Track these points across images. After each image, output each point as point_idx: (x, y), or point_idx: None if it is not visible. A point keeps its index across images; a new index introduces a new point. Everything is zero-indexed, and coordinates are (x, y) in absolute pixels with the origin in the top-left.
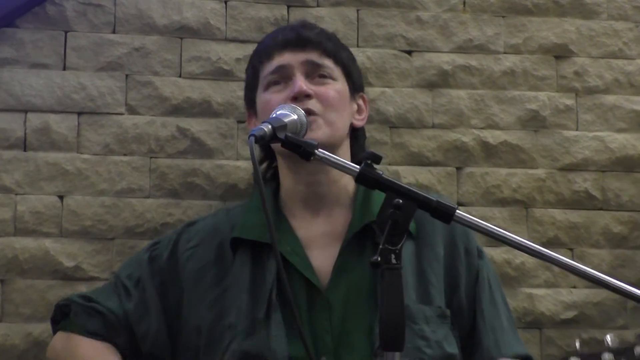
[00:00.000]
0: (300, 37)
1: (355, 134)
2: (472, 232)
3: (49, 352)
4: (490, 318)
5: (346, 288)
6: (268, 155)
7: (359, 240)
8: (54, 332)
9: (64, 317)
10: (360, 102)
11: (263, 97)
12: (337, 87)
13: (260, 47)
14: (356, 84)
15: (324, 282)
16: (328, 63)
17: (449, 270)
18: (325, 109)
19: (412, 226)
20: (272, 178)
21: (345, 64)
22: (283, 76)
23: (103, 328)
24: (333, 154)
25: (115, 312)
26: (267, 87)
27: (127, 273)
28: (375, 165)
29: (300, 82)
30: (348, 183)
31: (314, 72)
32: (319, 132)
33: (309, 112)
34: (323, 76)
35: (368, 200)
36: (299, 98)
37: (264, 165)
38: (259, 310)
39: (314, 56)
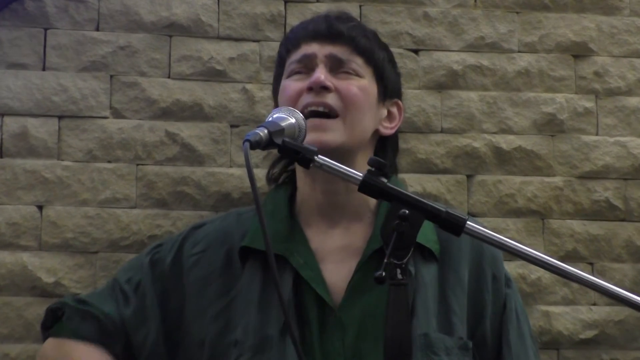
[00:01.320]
0: (331, 29)
1: (384, 143)
2: (501, 257)
3: None
4: (518, 353)
5: (361, 308)
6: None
7: (378, 257)
8: (44, 338)
9: (55, 321)
10: (394, 109)
11: (283, 83)
12: (361, 83)
13: (290, 35)
14: (390, 89)
15: (337, 300)
16: (357, 60)
17: (474, 298)
18: (345, 107)
19: (435, 247)
20: (289, 181)
21: (378, 65)
22: (306, 66)
23: (98, 333)
24: (350, 161)
25: (111, 317)
26: (290, 75)
27: (126, 277)
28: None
29: (320, 73)
30: None
31: (338, 68)
32: (334, 135)
33: (326, 107)
34: (348, 72)
35: None
36: (315, 89)
37: (279, 167)
38: (270, 327)
39: (342, 51)
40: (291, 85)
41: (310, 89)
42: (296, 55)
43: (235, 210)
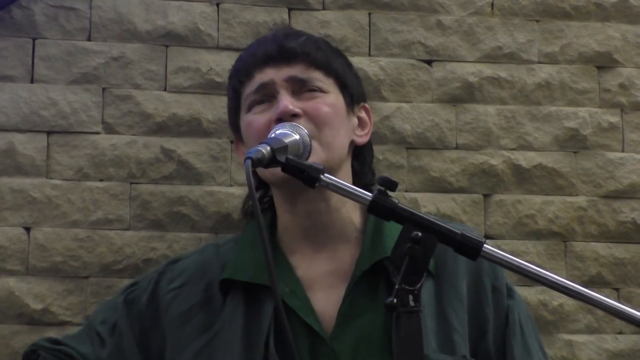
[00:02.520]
0: (282, 50)
1: (359, 152)
2: (501, 267)
3: None
4: None
5: (354, 335)
6: (261, 185)
7: (369, 280)
8: None
9: None
10: (362, 113)
11: (246, 119)
12: (329, 100)
13: (239, 65)
14: (355, 95)
15: (329, 328)
16: (317, 76)
17: (474, 312)
18: (318, 129)
19: (430, 264)
20: (268, 209)
21: (338, 74)
22: (266, 94)
23: None
24: None
25: (87, 358)
26: (250, 107)
27: (100, 319)
28: (390, 193)
29: (285, 101)
30: (352, 212)
31: (301, 88)
32: (313, 158)
33: None
34: (312, 90)
35: (379, 233)
36: (284, 119)
37: (259, 193)
38: None
39: (299, 70)
40: (256, 119)
41: (279, 119)
42: (252, 86)
43: (212, 243)
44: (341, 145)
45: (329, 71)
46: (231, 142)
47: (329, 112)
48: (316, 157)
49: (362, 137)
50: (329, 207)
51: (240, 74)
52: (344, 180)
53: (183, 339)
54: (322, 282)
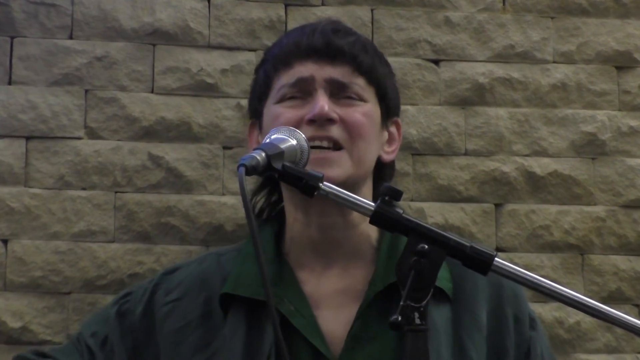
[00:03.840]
0: (330, 47)
1: (381, 170)
2: (523, 294)
3: None
4: None
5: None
6: (268, 183)
7: (382, 301)
8: None
9: None
10: (393, 129)
11: (274, 109)
12: (367, 109)
13: (278, 50)
14: (391, 108)
15: (336, 351)
16: (359, 82)
17: (494, 343)
18: (350, 138)
19: (448, 286)
20: (276, 214)
21: (380, 83)
22: (302, 90)
23: None
24: (354, 194)
25: None
26: (281, 99)
27: (91, 331)
28: (395, 203)
29: (323, 102)
30: (370, 229)
31: (340, 92)
32: (339, 170)
33: (330, 141)
34: (350, 97)
35: (395, 252)
36: (318, 122)
37: (261, 198)
38: None
39: (343, 73)
40: (285, 113)
41: (312, 120)
42: (289, 78)
43: (213, 251)
44: (370, 159)
45: (371, 79)
46: (223, 147)
47: (364, 123)
48: (343, 170)
49: (389, 155)
50: (346, 223)
51: (279, 60)
52: (364, 196)
53: (179, 356)
54: (332, 301)
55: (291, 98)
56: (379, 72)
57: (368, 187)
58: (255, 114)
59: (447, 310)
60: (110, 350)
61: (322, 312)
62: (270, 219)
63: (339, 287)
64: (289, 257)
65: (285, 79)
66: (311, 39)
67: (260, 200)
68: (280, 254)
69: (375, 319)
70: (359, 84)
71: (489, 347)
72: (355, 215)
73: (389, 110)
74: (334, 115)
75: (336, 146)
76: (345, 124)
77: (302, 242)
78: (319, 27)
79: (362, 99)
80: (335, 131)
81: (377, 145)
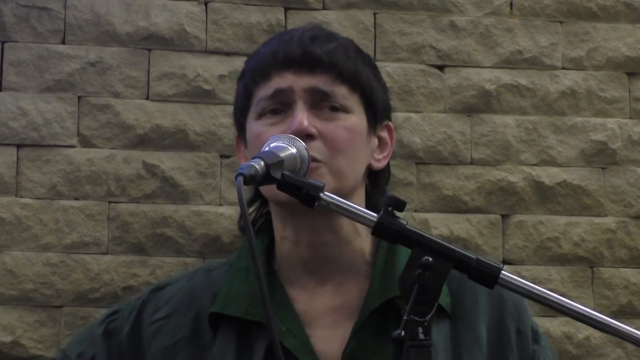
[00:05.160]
0: (308, 55)
1: (374, 176)
2: (526, 306)
3: None
4: None
5: None
6: (257, 196)
7: (377, 319)
8: None
9: None
10: (384, 133)
11: (254, 128)
12: (350, 122)
13: (255, 62)
14: (379, 113)
15: None
16: (342, 91)
17: (495, 358)
18: (331, 155)
19: (445, 301)
20: (265, 228)
21: (365, 90)
22: (281, 103)
23: None
24: None
25: None
26: (261, 115)
27: (77, 351)
28: (398, 213)
29: (301, 117)
30: (364, 243)
31: (321, 102)
32: None
33: (309, 158)
34: (334, 109)
35: (391, 266)
36: (297, 137)
37: (253, 210)
38: None
39: (323, 82)
40: (265, 131)
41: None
42: (267, 90)
43: (203, 266)
44: (355, 173)
45: (355, 86)
46: (221, 156)
47: (346, 140)
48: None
49: (379, 162)
50: (338, 239)
51: (256, 73)
52: (357, 205)
53: None
54: (325, 319)
55: (271, 112)
56: (362, 77)
57: (359, 198)
58: (239, 128)
59: (445, 326)
60: None
61: (315, 331)
62: (260, 232)
63: (333, 304)
64: (279, 274)
65: (263, 92)
66: (288, 48)
67: (252, 213)
68: (271, 271)
69: (371, 337)
70: (342, 93)
71: None
72: (347, 230)
73: (377, 116)
74: (313, 131)
75: (315, 161)
76: (325, 139)
77: (292, 260)
78: (296, 34)
79: (345, 110)
80: (314, 148)
81: (363, 156)
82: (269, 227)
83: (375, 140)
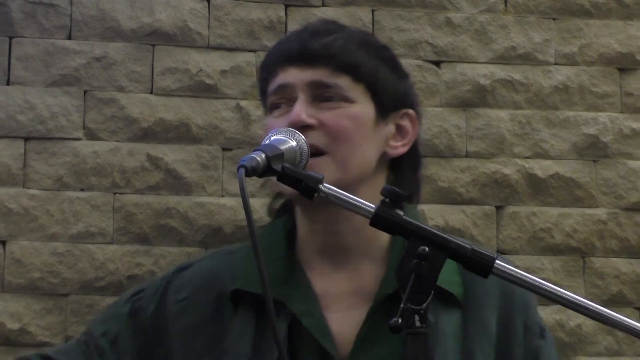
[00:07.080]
0: (304, 50)
1: (397, 164)
2: (534, 302)
3: None
4: None
5: None
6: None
7: (392, 303)
8: None
9: None
10: (404, 121)
11: (267, 121)
12: (351, 111)
13: (265, 60)
14: (392, 101)
15: (344, 352)
16: (343, 82)
17: (502, 351)
18: (334, 143)
19: (458, 291)
20: (289, 211)
21: (369, 79)
22: (286, 97)
23: None
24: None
25: None
26: (271, 109)
27: (102, 329)
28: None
29: (298, 109)
30: (378, 231)
31: (323, 95)
32: (325, 175)
33: (311, 148)
34: (335, 99)
35: None
36: (295, 129)
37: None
38: None
39: (323, 74)
40: (272, 125)
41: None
42: (273, 85)
43: (225, 248)
44: (361, 161)
45: (358, 76)
46: (223, 149)
47: (347, 126)
48: (328, 174)
49: (397, 149)
50: (352, 228)
51: (265, 69)
52: (366, 199)
53: (190, 355)
54: (341, 303)
55: (278, 106)
56: (366, 67)
57: (370, 187)
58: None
59: (456, 316)
60: (120, 350)
61: (332, 313)
62: (283, 214)
63: (349, 288)
64: (300, 256)
65: (270, 87)
66: (288, 45)
67: (283, 199)
68: (292, 253)
69: (385, 321)
70: (343, 84)
71: (497, 355)
72: (360, 219)
73: (389, 105)
74: (310, 121)
75: (318, 152)
76: (326, 128)
77: (310, 246)
78: (299, 31)
79: (347, 100)
80: (315, 137)
81: (372, 146)
82: (293, 211)
83: (390, 128)
